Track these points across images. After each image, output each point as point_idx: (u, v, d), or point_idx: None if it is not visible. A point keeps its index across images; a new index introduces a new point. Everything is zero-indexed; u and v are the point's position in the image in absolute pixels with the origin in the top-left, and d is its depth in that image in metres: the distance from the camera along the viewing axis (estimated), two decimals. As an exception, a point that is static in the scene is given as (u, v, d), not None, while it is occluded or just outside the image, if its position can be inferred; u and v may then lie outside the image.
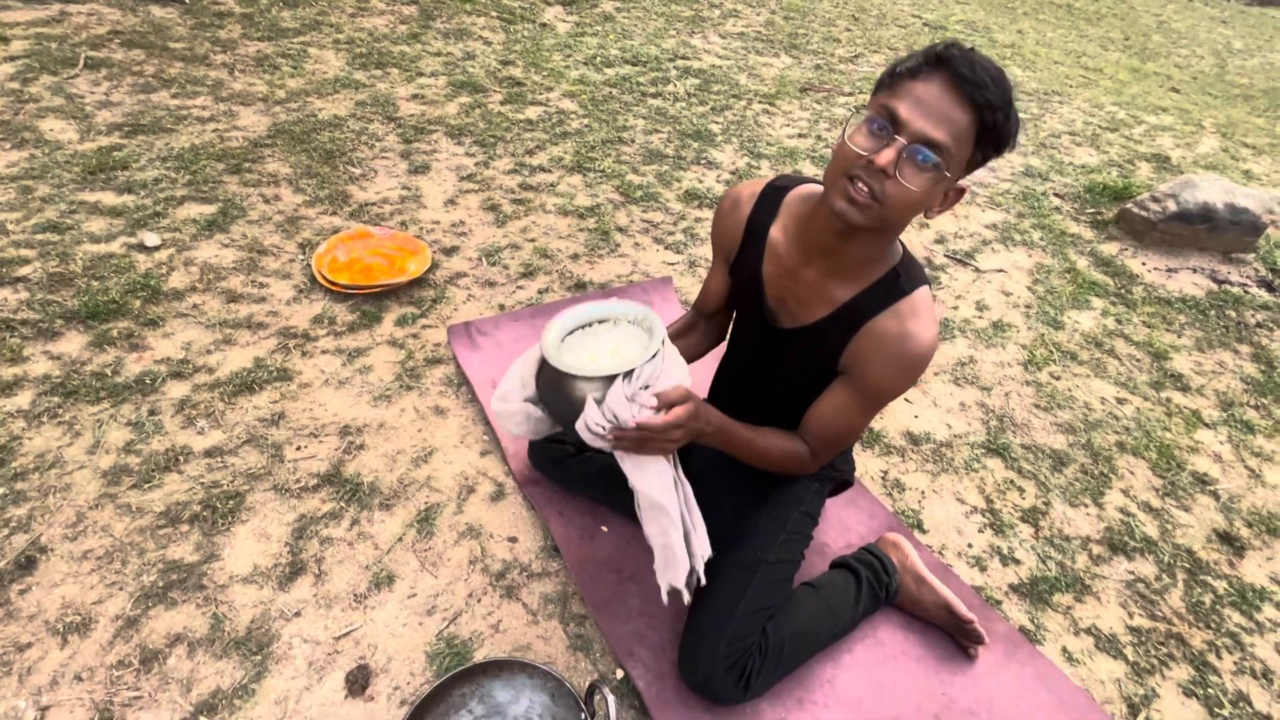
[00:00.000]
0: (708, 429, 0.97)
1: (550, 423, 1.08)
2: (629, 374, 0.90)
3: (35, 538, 1.23)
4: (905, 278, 0.96)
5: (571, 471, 1.40)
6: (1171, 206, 2.59)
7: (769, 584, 1.12)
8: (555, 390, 0.95)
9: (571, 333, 1.01)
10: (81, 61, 2.75)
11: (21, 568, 1.19)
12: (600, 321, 1.03)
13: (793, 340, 1.06)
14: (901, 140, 0.81)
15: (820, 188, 0.99)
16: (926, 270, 2.37)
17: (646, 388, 0.90)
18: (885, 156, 0.81)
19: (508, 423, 1.08)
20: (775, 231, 1.05)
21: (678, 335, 1.24)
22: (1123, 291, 2.39)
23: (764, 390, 1.17)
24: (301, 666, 1.13)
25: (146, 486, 1.34)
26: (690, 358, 1.20)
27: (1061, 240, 2.64)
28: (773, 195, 1.07)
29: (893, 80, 0.84)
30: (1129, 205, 2.72)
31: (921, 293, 0.95)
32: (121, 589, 1.18)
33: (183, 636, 1.14)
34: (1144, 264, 2.55)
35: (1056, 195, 2.97)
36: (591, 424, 0.90)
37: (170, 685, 1.08)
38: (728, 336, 1.28)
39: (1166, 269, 2.53)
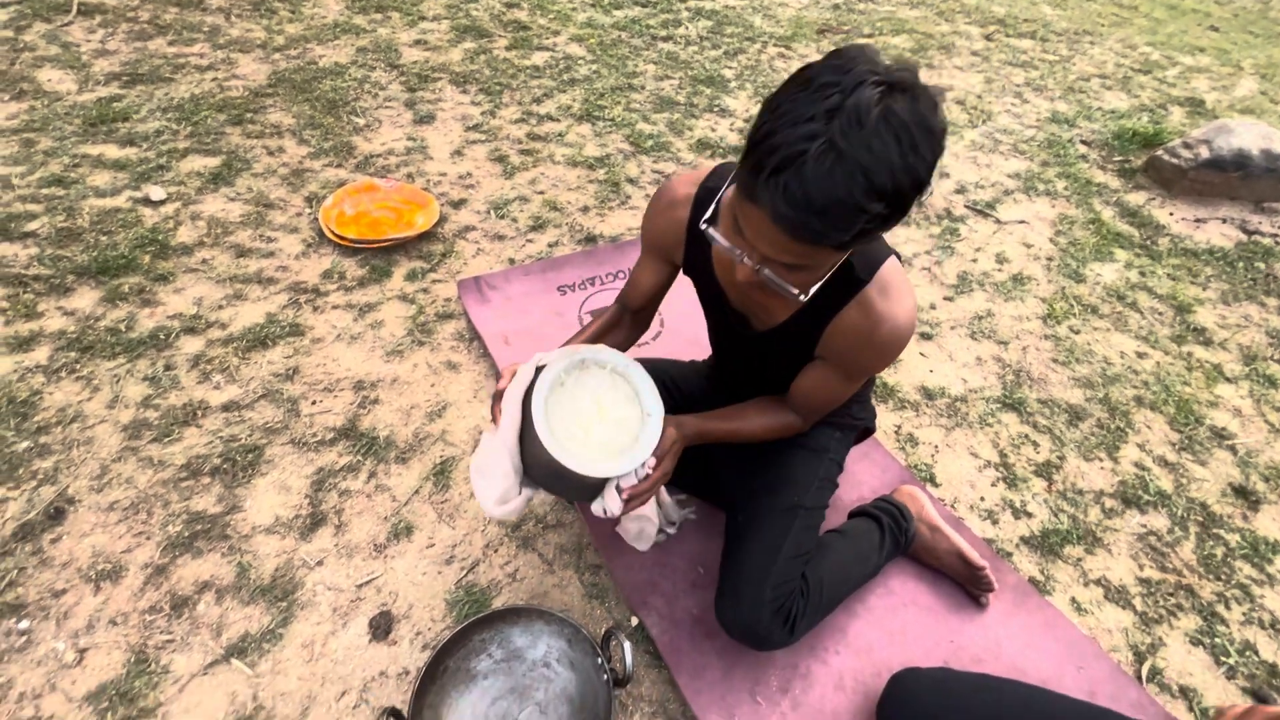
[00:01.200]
0: (688, 443, 1.01)
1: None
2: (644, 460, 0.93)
3: (63, 489, 1.26)
4: (860, 266, 0.89)
5: None
6: (1204, 153, 2.49)
7: (807, 529, 1.12)
8: (562, 479, 0.93)
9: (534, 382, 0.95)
10: (75, 8, 2.67)
11: (51, 518, 1.22)
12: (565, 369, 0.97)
13: (768, 342, 1.02)
14: (749, 263, 0.77)
15: None
16: (948, 210, 2.31)
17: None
18: (741, 273, 0.79)
19: (512, 516, 1.02)
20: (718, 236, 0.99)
21: (603, 333, 1.14)
22: (1148, 243, 2.32)
23: (763, 380, 1.14)
24: (326, 612, 1.16)
25: (166, 440, 1.36)
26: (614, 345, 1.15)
27: (1087, 190, 2.55)
28: (706, 197, 0.96)
29: (737, 191, 0.74)
30: (1159, 152, 2.62)
31: (885, 271, 0.89)
32: (149, 538, 1.22)
33: (210, 584, 1.18)
34: (1171, 214, 2.47)
35: (1083, 142, 2.86)
36: (611, 509, 0.94)
37: (201, 629, 1.12)
38: (709, 340, 1.23)
39: (1195, 219, 2.45)
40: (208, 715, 1.03)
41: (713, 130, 2.63)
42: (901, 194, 0.67)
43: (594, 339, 1.11)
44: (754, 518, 1.13)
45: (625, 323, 1.17)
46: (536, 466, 0.93)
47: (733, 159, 2.63)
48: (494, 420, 0.95)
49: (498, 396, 0.95)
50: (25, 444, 1.31)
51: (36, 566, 1.16)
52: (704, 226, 0.80)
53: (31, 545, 1.18)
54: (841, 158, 0.64)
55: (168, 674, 1.06)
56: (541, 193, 2.19)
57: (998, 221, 2.36)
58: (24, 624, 1.09)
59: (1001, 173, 2.62)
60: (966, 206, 2.41)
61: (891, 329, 0.89)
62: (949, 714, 0.96)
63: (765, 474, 1.17)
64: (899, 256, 0.95)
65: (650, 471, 0.95)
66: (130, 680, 1.05)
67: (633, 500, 0.94)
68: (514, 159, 2.31)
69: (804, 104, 0.65)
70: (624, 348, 1.15)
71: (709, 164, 1.02)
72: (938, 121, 0.67)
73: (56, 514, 1.22)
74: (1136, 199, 2.53)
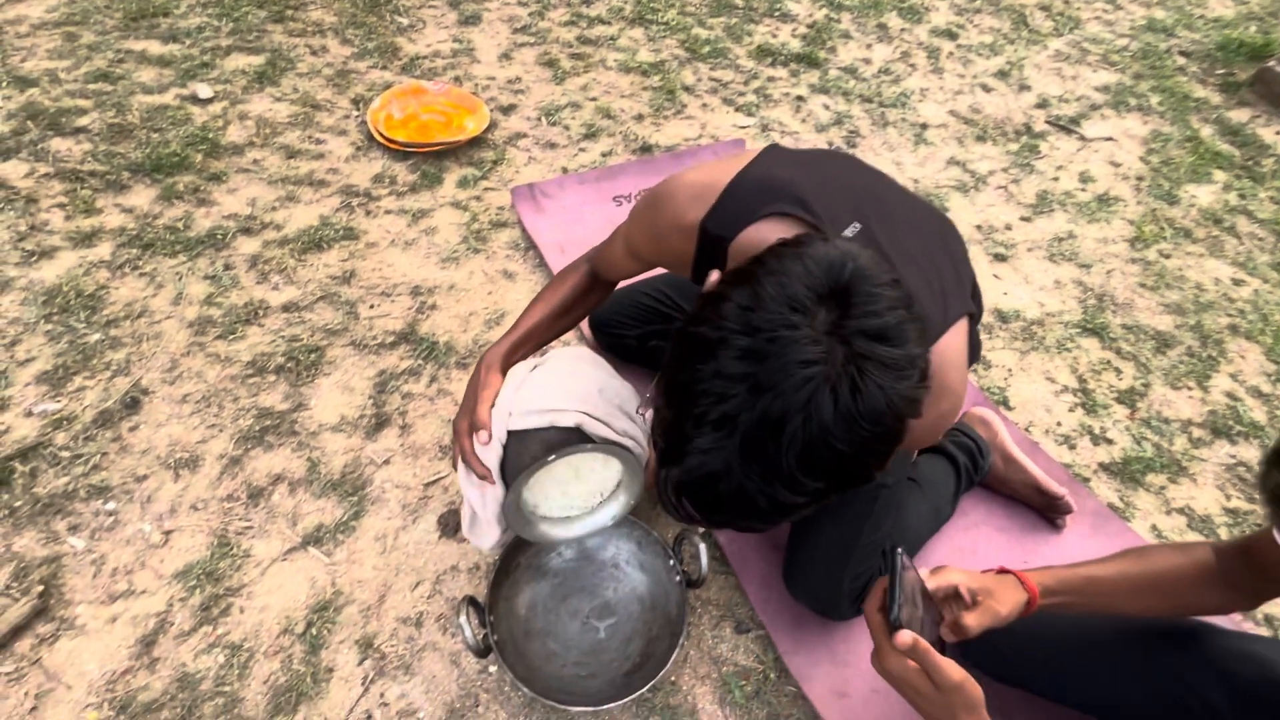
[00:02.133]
0: None
1: None
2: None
3: (136, 380, 1.27)
4: None
5: (639, 362, 1.38)
6: (1324, 65, 2.24)
7: (888, 505, 1.02)
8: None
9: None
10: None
11: (128, 407, 1.24)
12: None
13: None
14: None
15: (771, 234, 0.72)
16: (1028, 125, 2.14)
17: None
18: None
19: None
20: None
21: (574, 302, 0.99)
22: (1250, 164, 2.13)
23: None
24: (395, 508, 1.18)
25: (231, 337, 1.36)
26: (579, 321, 1.04)
27: (1184, 105, 2.34)
28: (711, 246, 0.79)
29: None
30: (1270, 63, 2.37)
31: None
32: (221, 431, 1.23)
33: (283, 476, 1.19)
34: (1278, 133, 2.25)
35: (1182, 53, 2.60)
36: None
37: (277, 519, 1.14)
38: None
39: (1304, 139, 2.24)
40: (290, 596, 1.06)
41: (774, 36, 2.45)
42: (843, 486, 0.54)
43: (563, 310, 0.98)
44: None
45: (598, 291, 1.02)
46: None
47: (794, 67, 2.37)
48: (478, 474, 0.87)
49: (463, 433, 0.86)
50: (97, 336, 1.32)
51: (118, 452, 1.18)
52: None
53: (111, 432, 1.20)
54: (744, 490, 0.51)
55: (249, 558, 1.09)
56: (594, 99, 2.08)
57: (1082, 138, 2.18)
58: (110, 505, 1.12)
59: (1088, 85, 2.40)
60: (1048, 122, 2.23)
61: (920, 434, 0.75)
62: (1021, 625, 0.94)
63: None
64: (973, 315, 0.79)
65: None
66: (215, 561, 1.08)
67: None
68: (564, 63, 2.19)
69: (708, 392, 0.50)
70: (591, 310, 1.05)
71: (718, 174, 0.79)
72: (895, 396, 0.50)
73: (132, 403, 1.24)
74: (1240, 116, 2.31)
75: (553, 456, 0.81)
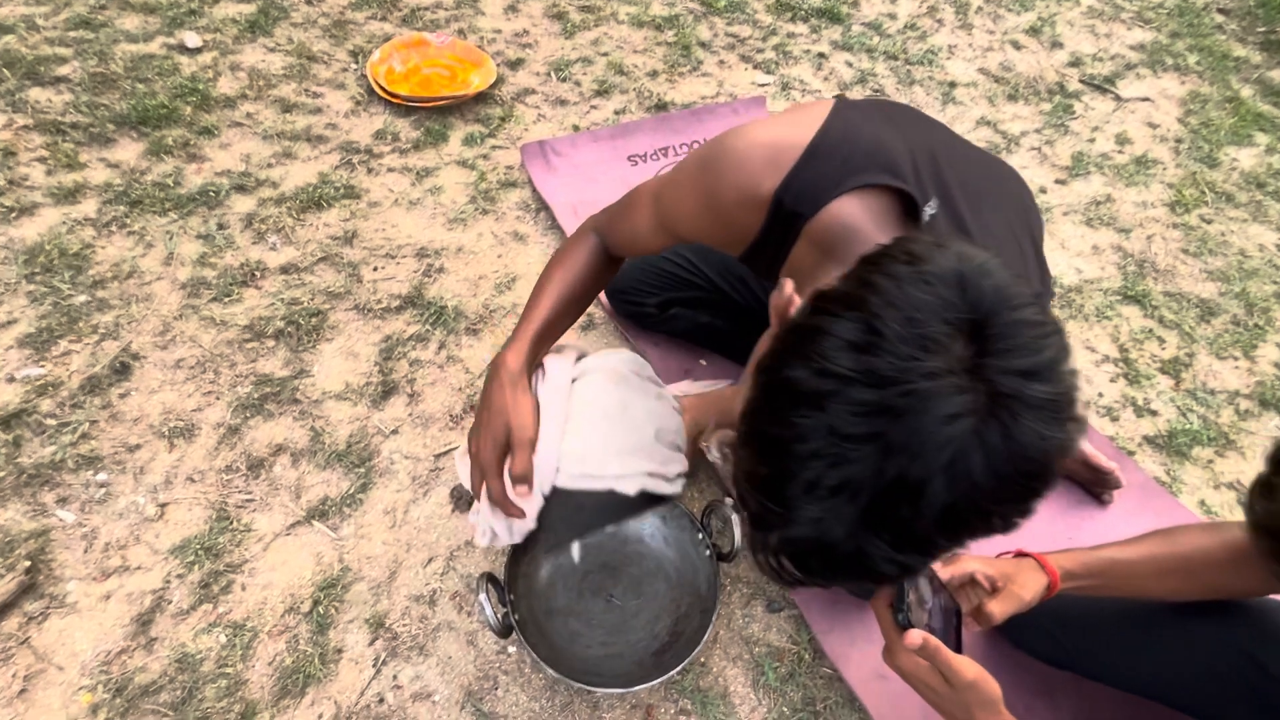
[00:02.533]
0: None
1: None
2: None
3: (126, 345, 1.19)
4: None
5: (659, 330, 1.30)
6: (1373, 21, 2.13)
7: None
8: None
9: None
10: None
11: (118, 373, 1.16)
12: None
13: None
14: None
15: (864, 222, 0.64)
16: (1061, 85, 2.03)
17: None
18: None
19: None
20: (795, 261, 0.71)
21: (585, 288, 0.87)
22: (1293, 126, 2.03)
23: None
24: (405, 481, 1.11)
25: (227, 300, 1.28)
26: (592, 301, 0.95)
27: (1223, 65, 2.23)
28: (782, 224, 0.68)
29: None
30: (1315, 21, 2.25)
31: None
32: (218, 398, 1.16)
33: (284, 447, 1.12)
34: (1322, 95, 2.15)
35: (1220, 11, 2.48)
36: None
37: (280, 491, 1.07)
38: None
39: (1349, 101, 2.14)
40: (295, 573, 1.00)
41: (793, -11, 2.32)
42: (980, 538, 0.46)
43: (576, 296, 0.86)
44: None
45: (612, 265, 0.90)
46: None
47: (815, 22, 2.24)
48: (508, 514, 0.78)
49: (493, 472, 0.76)
50: (83, 297, 1.24)
51: (108, 421, 1.11)
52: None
53: (100, 399, 1.13)
54: (866, 556, 0.43)
55: (250, 532, 1.03)
56: (605, 54, 1.97)
57: (1118, 98, 2.08)
58: (101, 476, 1.05)
59: (1123, 44, 2.29)
60: (1082, 81, 2.13)
61: None
62: (1065, 606, 0.89)
63: None
64: (1046, 290, 0.74)
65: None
66: (214, 536, 1.01)
67: None
68: (574, 16, 2.07)
69: (819, 454, 0.41)
70: (604, 287, 0.95)
71: (794, 131, 0.67)
72: (1053, 444, 0.41)
73: (122, 369, 1.16)
74: (1282, 76, 2.21)
75: (610, 527, 0.80)
